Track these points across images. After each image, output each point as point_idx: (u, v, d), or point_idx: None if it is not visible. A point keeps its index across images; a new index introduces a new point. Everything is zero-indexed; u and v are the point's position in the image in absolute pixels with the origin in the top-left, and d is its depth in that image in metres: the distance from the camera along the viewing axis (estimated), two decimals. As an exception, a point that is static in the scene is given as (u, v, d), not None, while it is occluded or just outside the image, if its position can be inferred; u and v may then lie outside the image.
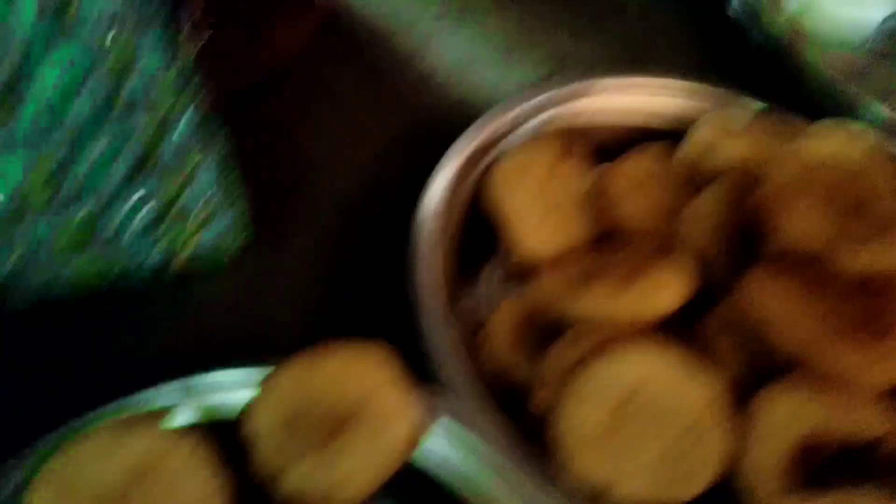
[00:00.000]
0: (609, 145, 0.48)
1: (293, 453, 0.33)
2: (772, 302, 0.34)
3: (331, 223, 0.47)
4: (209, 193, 0.29)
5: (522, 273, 0.43)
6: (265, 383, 0.34)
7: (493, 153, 0.45)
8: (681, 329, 0.38)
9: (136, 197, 0.25)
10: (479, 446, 0.35)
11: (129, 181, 0.24)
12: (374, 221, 0.48)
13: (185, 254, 0.30)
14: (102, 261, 0.27)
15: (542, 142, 0.46)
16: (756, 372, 0.36)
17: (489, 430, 0.35)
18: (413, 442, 0.34)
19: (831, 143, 0.40)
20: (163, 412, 0.34)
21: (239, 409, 0.34)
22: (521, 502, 0.33)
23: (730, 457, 0.34)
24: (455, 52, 0.58)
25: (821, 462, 0.34)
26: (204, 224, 0.30)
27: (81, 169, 0.23)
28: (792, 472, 0.34)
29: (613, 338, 0.36)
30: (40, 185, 0.22)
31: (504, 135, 0.46)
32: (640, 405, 0.34)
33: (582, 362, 0.36)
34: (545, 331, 0.41)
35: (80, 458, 0.32)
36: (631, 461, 0.34)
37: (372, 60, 0.56)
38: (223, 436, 0.34)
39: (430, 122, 0.53)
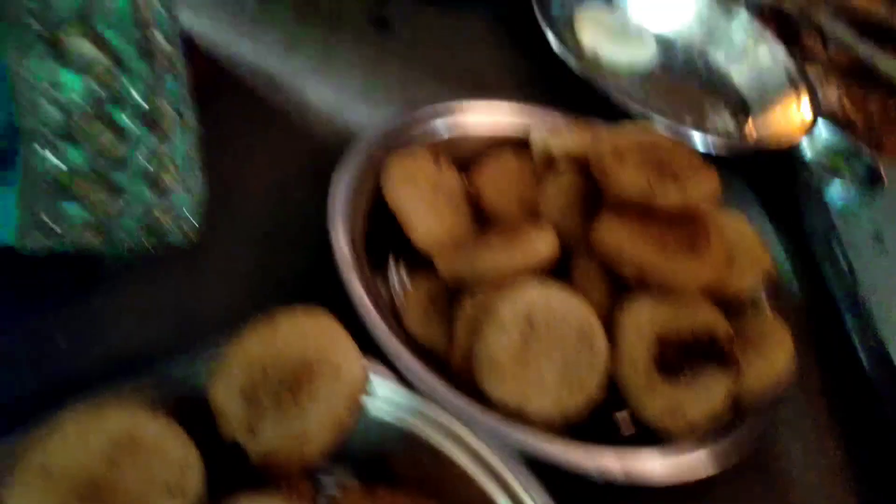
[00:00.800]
0: (465, 154, 0.59)
1: (260, 415, 0.37)
2: (615, 236, 0.45)
3: (249, 231, 0.52)
4: (178, 162, 0.33)
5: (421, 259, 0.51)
6: (222, 355, 0.38)
7: (380, 157, 0.53)
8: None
9: (132, 140, 0.29)
10: (409, 397, 0.41)
11: (135, 120, 0.29)
12: (288, 223, 0.54)
13: (152, 221, 0.34)
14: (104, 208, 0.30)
15: (419, 151, 0.55)
16: (614, 295, 0.46)
17: (420, 381, 0.42)
18: (364, 387, 0.39)
19: (633, 130, 0.54)
20: (131, 395, 0.37)
21: (202, 384, 0.38)
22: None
23: (609, 363, 0.44)
24: (321, 100, 0.66)
25: (675, 357, 0.45)
26: (169, 195, 0.34)
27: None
28: (655, 365, 0.44)
29: (507, 284, 0.45)
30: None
31: (387, 144, 0.54)
32: (539, 325, 0.42)
33: (486, 305, 0.44)
34: (448, 301, 0.49)
35: (57, 444, 0.34)
36: (540, 374, 0.42)
37: (254, 104, 0.63)
38: (192, 411, 0.37)
39: (314, 151, 0.60)
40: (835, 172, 0.73)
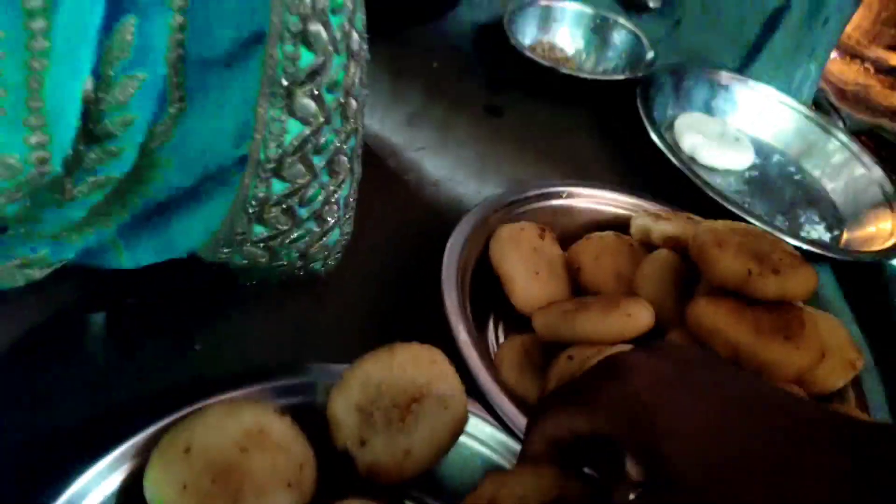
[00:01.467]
0: (570, 232, 0.63)
1: (371, 429, 0.41)
2: (713, 316, 0.48)
3: (367, 277, 0.58)
4: (341, 205, 0.39)
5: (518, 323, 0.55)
6: (345, 373, 0.42)
7: (491, 227, 0.58)
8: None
9: (319, 183, 0.35)
10: (503, 437, 0.44)
11: (324, 168, 0.34)
12: (402, 274, 0.59)
13: (311, 251, 0.39)
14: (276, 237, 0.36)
15: (526, 223, 0.59)
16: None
17: (514, 423, 0.45)
18: (465, 420, 0.43)
19: (727, 225, 0.57)
20: (262, 397, 0.41)
21: (324, 397, 0.42)
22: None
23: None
24: (438, 171, 0.73)
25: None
26: (327, 232, 0.39)
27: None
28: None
29: (602, 349, 0.48)
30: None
31: (498, 216, 0.60)
32: (633, 387, 0.45)
33: (582, 365, 0.47)
34: (541, 358, 0.52)
35: (199, 428, 0.38)
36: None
37: (377, 169, 0.70)
38: (307, 419, 0.41)
39: (429, 216, 0.66)
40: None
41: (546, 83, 0.88)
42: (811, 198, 0.86)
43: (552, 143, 0.82)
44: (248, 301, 0.52)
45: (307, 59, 0.29)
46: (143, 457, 0.38)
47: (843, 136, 0.90)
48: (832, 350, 0.53)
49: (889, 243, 0.75)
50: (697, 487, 0.24)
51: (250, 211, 0.33)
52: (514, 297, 0.55)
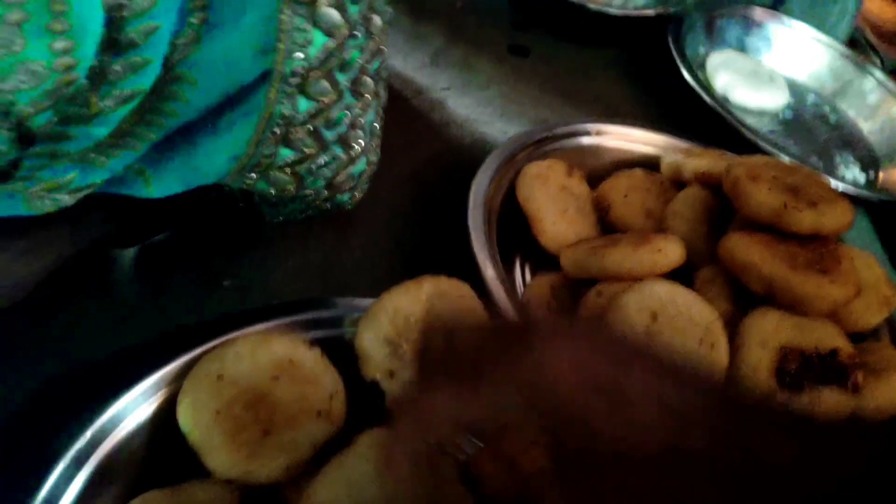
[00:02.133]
0: (598, 171, 0.62)
1: (399, 361, 0.41)
2: (746, 251, 0.47)
3: (390, 212, 0.57)
4: (366, 131, 0.38)
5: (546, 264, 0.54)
6: (373, 306, 0.42)
7: (518, 165, 0.57)
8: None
9: (344, 104, 0.34)
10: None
11: (348, 88, 0.34)
12: (426, 211, 0.59)
13: (338, 180, 0.39)
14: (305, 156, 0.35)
15: (554, 161, 0.58)
16: (738, 308, 0.48)
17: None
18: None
19: (761, 159, 0.55)
20: (292, 329, 0.42)
21: (352, 330, 0.42)
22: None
23: (727, 368, 0.45)
24: (462, 111, 0.71)
25: (797, 371, 0.45)
26: (354, 160, 0.39)
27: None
28: (776, 375, 0.45)
29: (634, 283, 0.47)
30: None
31: (526, 154, 0.58)
32: (664, 323, 0.44)
33: (613, 300, 0.46)
34: (569, 297, 0.51)
35: (230, 357, 0.38)
36: (659, 366, 0.44)
37: (401, 107, 0.69)
38: (336, 351, 0.41)
39: (453, 155, 0.65)
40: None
41: (573, 21, 0.85)
42: (846, 138, 0.83)
43: (579, 83, 0.80)
44: (275, 238, 0.52)
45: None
46: (175, 385, 0.38)
47: (879, 75, 0.87)
48: (868, 286, 0.52)
49: (927, 184, 0.73)
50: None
51: (276, 131, 0.32)
52: (542, 235, 0.54)
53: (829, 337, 0.46)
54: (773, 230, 0.48)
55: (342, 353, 0.41)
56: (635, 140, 0.64)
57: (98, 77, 0.25)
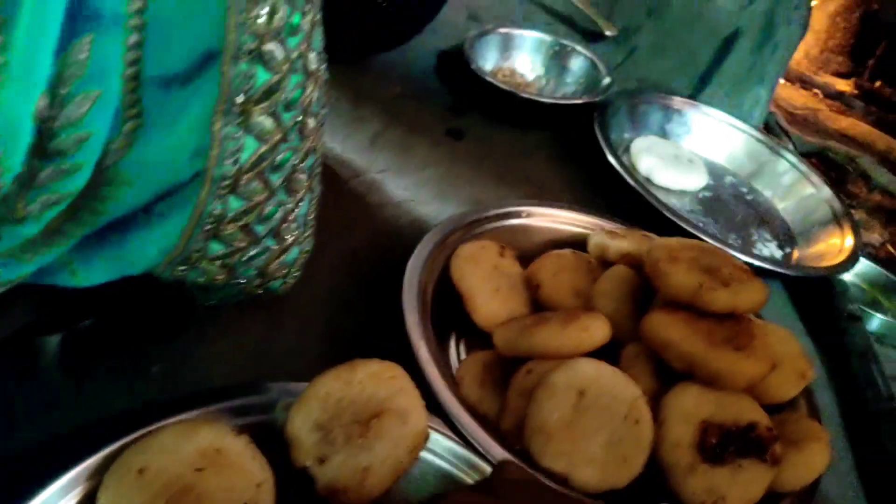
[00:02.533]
0: (529, 251, 0.64)
1: (330, 446, 0.41)
2: (666, 330, 0.49)
3: (325, 295, 0.58)
4: (300, 223, 0.39)
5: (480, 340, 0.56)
6: (305, 390, 0.42)
7: (451, 246, 0.59)
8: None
9: (277, 200, 0.35)
10: (464, 452, 0.44)
11: (281, 185, 0.35)
12: (361, 292, 0.60)
13: (270, 268, 0.39)
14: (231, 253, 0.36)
15: (487, 241, 0.60)
16: (662, 384, 0.50)
17: (475, 438, 0.45)
18: (425, 436, 0.43)
19: (684, 241, 0.59)
20: (219, 417, 0.41)
21: (283, 416, 0.42)
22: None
23: (653, 443, 0.46)
24: (399, 192, 0.74)
25: (717, 444, 0.47)
26: (286, 249, 0.39)
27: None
28: (698, 449, 0.46)
29: (562, 361, 0.48)
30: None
31: (459, 235, 0.60)
32: (590, 398, 0.46)
33: (542, 378, 0.47)
34: (501, 374, 0.53)
35: (153, 448, 0.38)
36: (587, 444, 0.45)
37: (339, 189, 0.70)
38: (266, 439, 0.41)
39: (391, 235, 0.67)
40: (874, 305, 0.76)
41: (506, 107, 0.90)
42: (763, 217, 0.89)
43: (512, 165, 0.83)
44: (206, 322, 0.52)
45: (262, 77, 0.29)
46: (96, 480, 0.37)
47: (792, 158, 0.93)
48: (783, 361, 0.54)
49: (838, 259, 0.78)
50: None
51: (206, 227, 0.33)
52: (475, 314, 0.56)
53: (746, 411, 0.48)
54: (692, 309, 0.51)
55: (273, 441, 0.41)
56: (563, 221, 0.67)
57: (25, 182, 0.26)
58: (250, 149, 0.31)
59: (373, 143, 0.79)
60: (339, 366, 0.43)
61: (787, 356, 0.55)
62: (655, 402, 0.48)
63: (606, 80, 0.94)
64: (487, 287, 0.57)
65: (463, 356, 0.57)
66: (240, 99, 0.29)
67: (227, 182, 0.31)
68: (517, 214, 0.66)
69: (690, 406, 0.47)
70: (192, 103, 0.29)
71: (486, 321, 0.56)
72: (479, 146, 0.85)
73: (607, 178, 0.79)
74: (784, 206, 0.91)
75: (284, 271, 0.41)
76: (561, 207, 0.68)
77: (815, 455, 0.48)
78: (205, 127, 0.29)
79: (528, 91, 0.95)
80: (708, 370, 0.48)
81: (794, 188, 0.91)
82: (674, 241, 0.56)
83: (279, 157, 0.33)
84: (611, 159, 0.79)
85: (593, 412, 0.46)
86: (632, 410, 0.46)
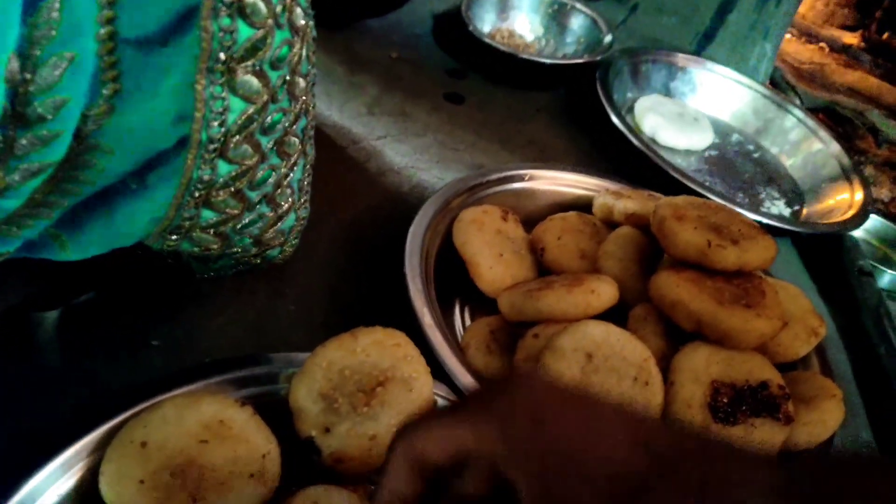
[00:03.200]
0: (533, 214, 0.63)
1: (335, 415, 0.40)
2: (674, 290, 0.48)
3: (326, 263, 0.57)
4: (294, 189, 0.38)
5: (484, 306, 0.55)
6: (307, 360, 0.41)
7: (454, 211, 0.58)
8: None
9: (269, 164, 0.34)
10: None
11: (273, 149, 0.33)
12: (363, 260, 0.59)
13: (266, 236, 0.38)
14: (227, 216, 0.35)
15: (489, 206, 0.59)
16: (671, 344, 0.49)
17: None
18: (432, 402, 0.42)
19: (691, 199, 0.57)
20: (222, 389, 0.40)
21: (286, 386, 0.41)
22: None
23: (664, 404, 0.45)
24: (399, 159, 0.72)
25: (729, 404, 0.46)
26: (281, 217, 0.38)
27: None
28: (709, 409, 0.45)
29: (569, 324, 0.47)
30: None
31: (462, 200, 0.59)
32: (599, 363, 0.45)
33: (549, 342, 0.46)
34: (508, 339, 0.52)
35: (155, 422, 0.37)
36: (596, 407, 0.44)
37: (338, 157, 0.69)
38: (271, 409, 0.40)
39: (391, 202, 0.66)
40: (884, 261, 0.75)
41: (506, 70, 0.88)
42: (770, 174, 0.87)
43: (514, 128, 0.82)
44: (206, 294, 0.51)
45: (245, 32, 0.28)
46: (98, 454, 0.37)
47: (799, 113, 0.91)
48: (794, 318, 0.54)
49: (848, 215, 0.77)
50: None
51: (196, 194, 0.32)
52: (479, 279, 0.55)
53: (758, 369, 0.47)
54: (700, 268, 0.50)
55: (278, 411, 0.41)
56: (567, 183, 0.66)
57: (4, 152, 0.25)
58: (237, 110, 0.30)
59: (371, 109, 0.78)
60: (341, 334, 0.42)
61: (798, 313, 0.54)
62: (665, 364, 0.47)
63: (608, 39, 0.92)
64: (491, 252, 0.56)
65: (468, 322, 0.56)
66: (223, 56, 0.28)
67: (214, 146, 0.30)
68: (520, 178, 0.64)
69: (701, 366, 0.46)
70: (174, 64, 0.28)
71: (491, 286, 0.55)
72: (479, 110, 0.83)
73: (611, 139, 0.78)
74: (792, 163, 0.89)
75: (282, 239, 0.40)
76: (564, 169, 0.67)
77: (829, 412, 0.47)
78: (188, 88, 0.28)
79: (527, 52, 0.93)
80: (718, 329, 0.47)
81: (801, 144, 0.90)
82: (680, 200, 0.55)
83: (269, 119, 0.32)
84: (614, 119, 0.77)
85: (602, 374, 0.45)
86: (641, 372, 0.45)
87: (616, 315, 0.51)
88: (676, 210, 0.52)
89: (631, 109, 0.88)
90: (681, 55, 0.94)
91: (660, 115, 0.85)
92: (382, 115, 0.77)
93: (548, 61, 0.88)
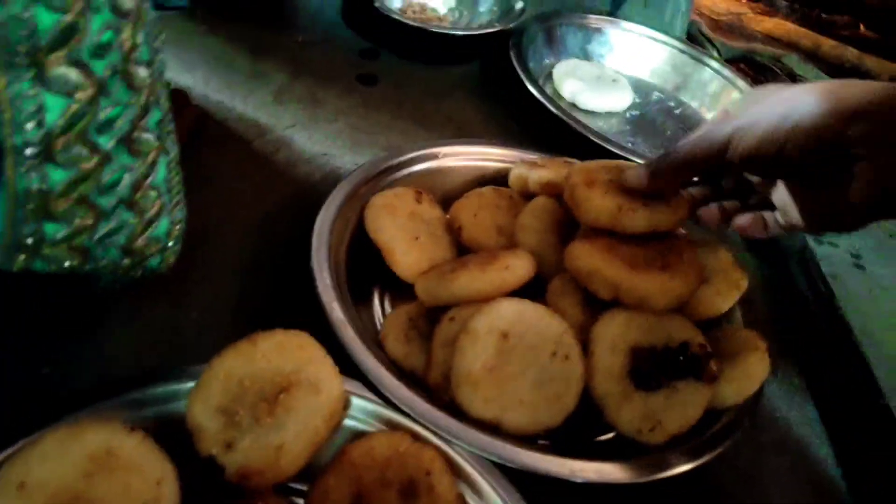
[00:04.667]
0: (452, 193, 0.61)
1: (237, 429, 0.38)
2: (589, 258, 0.47)
3: (234, 263, 0.54)
4: (161, 190, 0.35)
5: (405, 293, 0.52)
6: (203, 374, 0.39)
7: (364, 197, 0.55)
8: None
9: (118, 165, 0.31)
10: (387, 413, 0.41)
11: (118, 147, 0.30)
12: (272, 257, 0.56)
13: (137, 245, 0.35)
14: (83, 227, 0.32)
15: (401, 189, 0.57)
16: (589, 314, 0.47)
17: (397, 396, 0.42)
18: (342, 403, 0.40)
19: (606, 164, 0.56)
20: (111, 415, 0.38)
21: (182, 404, 0.39)
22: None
23: (584, 376, 0.44)
24: (310, 148, 0.69)
25: (650, 369, 0.45)
26: (152, 222, 0.35)
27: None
28: (630, 377, 0.44)
29: (483, 304, 0.46)
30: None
31: (372, 184, 0.57)
32: (515, 341, 0.43)
33: (463, 324, 0.45)
34: (428, 326, 0.50)
35: (34, 459, 0.34)
36: (516, 387, 0.42)
37: (244, 151, 0.66)
38: (173, 430, 0.38)
39: (303, 193, 0.63)
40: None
41: (419, 45, 0.85)
42: (692, 129, 0.86)
43: (430, 106, 0.79)
44: (103, 312, 0.48)
45: (47, 19, 0.25)
46: (-27, 501, 0.33)
47: (715, 65, 0.91)
48: (715, 273, 0.53)
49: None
50: None
51: (30, 207, 0.29)
52: (396, 265, 0.53)
53: (678, 330, 0.46)
54: (614, 234, 0.48)
55: (177, 431, 0.38)
56: (483, 157, 0.64)
57: None
58: (56, 108, 0.27)
59: (278, 97, 0.74)
60: (238, 342, 0.40)
61: (719, 268, 0.54)
62: (586, 335, 0.46)
63: (519, 5, 0.90)
64: (406, 236, 0.54)
65: (389, 311, 0.54)
66: (22, 48, 0.25)
67: (34, 150, 0.27)
68: (432, 156, 0.62)
69: (618, 333, 0.45)
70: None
71: (408, 272, 0.53)
72: (393, 90, 0.80)
73: (530, 109, 0.76)
74: (712, 116, 0.89)
75: (158, 246, 0.37)
76: (478, 144, 0.65)
77: (754, 365, 0.47)
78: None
79: (440, 25, 0.90)
80: (634, 295, 0.46)
81: (720, 95, 0.89)
82: (592, 165, 0.53)
83: (103, 115, 0.29)
84: (530, 87, 0.75)
85: (519, 353, 0.43)
86: (559, 346, 0.44)
87: (537, 289, 0.50)
88: (588, 176, 0.51)
89: (549, 76, 0.86)
90: (594, 17, 0.93)
91: (578, 80, 0.84)
92: (291, 103, 0.74)
93: (459, 33, 0.85)
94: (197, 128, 0.64)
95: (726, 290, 0.52)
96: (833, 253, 0.67)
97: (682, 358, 0.45)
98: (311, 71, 0.79)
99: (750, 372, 0.47)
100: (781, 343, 0.61)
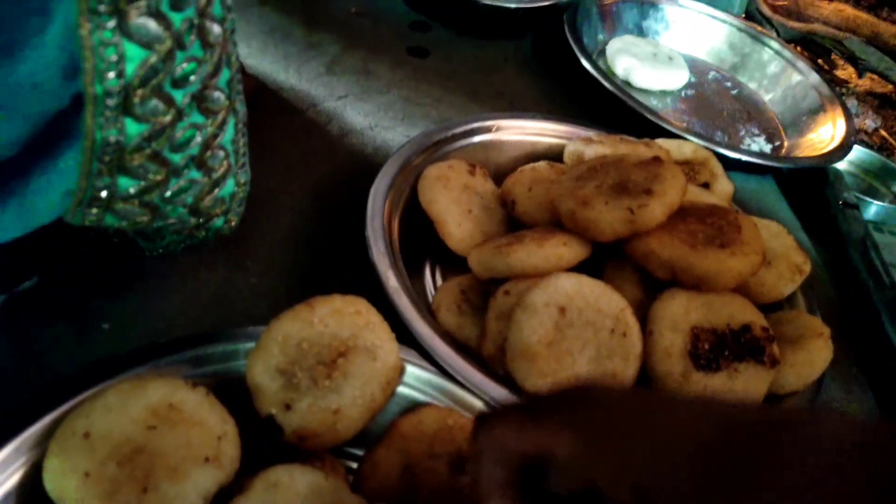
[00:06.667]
0: (503, 167, 0.60)
1: (295, 391, 0.38)
2: (644, 241, 0.45)
3: (289, 231, 0.54)
4: (228, 150, 0.35)
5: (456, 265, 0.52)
6: (263, 336, 0.39)
7: (418, 168, 0.55)
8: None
9: (190, 123, 0.31)
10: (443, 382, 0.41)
11: (191, 104, 0.30)
12: (327, 225, 0.56)
13: (203, 205, 0.35)
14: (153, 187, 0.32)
15: (455, 161, 0.56)
16: (649, 293, 0.46)
17: (453, 366, 0.42)
18: (398, 369, 0.40)
19: (568, 178, 0.53)
20: (173, 371, 0.38)
21: (241, 364, 0.39)
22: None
23: (643, 354, 0.43)
24: (362, 119, 0.69)
25: (711, 350, 0.44)
26: (218, 182, 0.35)
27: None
28: (690, 357, 0.43)
29: (540, 279, 0.45)
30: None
31: (426, 156, 0.56)
32: (572, 314, 0.43)
33: (520, 298, 0.44)
34: (480, 299, 0.49)
35: (98, 411, 0.35)
36: (573, 362, 0.42)
37: (297, 120, 0.65)
38: (230, 389, 0.38)
39: (354, 164, 0.63)
40: (870, 193, 0.73)
41: (470, 18, 0.84)
42: (749, 111, 0.84)
43: (482, 79, 0.78)
44: (160, 273, 0.48)
45: (131, -34, 0.25)
46: (41, 448, 0.34)
47: (776, 45, 0.88)
48: (777, 256, 0.51)
49: (829, 147, 0.74)
50: None
51: (106, 159, 0.29)
52: (448, 238, 0.52)
53: (739, 312, 0.45)
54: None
55: (236, 390, 0.38)
56: (537, 132, 0.63)
57: None
58: (136, 58, 0.27)
59: (330, 68, 0.74)
60: (297, 306, 0.40)
61: (781, 251, 0.52)
62: (644, 313, 0.45)
63: (575, -21, 0.88)
64: (459, 209, 0.53)
65: (440, 283, 0.54)
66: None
67: (114, 101, 0.27)
68: (486, 129, 0.61)
69: (680, 312, 0.44)
70: (53, 10, 0.24)
71: (461, 245, 0.52)
72: (444, 63, 0.79)
73: (583, 85, 0.74)
74: (771, 98, 0.86)
75: (224, 207, 0.37)
76: (533, 118, 0.64)
77: (817, 352, 0.45)
78: (72, 35, 0.25)
79: (492, -2, 0.89)
80: (693, 274, 0.44)
81: (780, 77, 0.86)
82: (566, 181, 0.51)
83: (179, 70, 0.29)
84: (585, 63, 0.74)
85: (577, 328, 0.42)
86: (618, 323, 0.43)
87: (592, 267, 0.49)
88: (574, 197, 0.48)
89: (603, 53, 0.85)
90: (652, -8, 0.90)
91: (633, 56, 0.82)
92: (343, 75, 0.73)
93: (512, 5, 0.84)
94: (254, 97, 0.64)
95: (789, 274, 0.51)
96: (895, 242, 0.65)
97: (743, 340, 0.44)
98: (363, 43, 0.79)
99: (813, 358, 0.46)
100: (839, 330, 0.59)
